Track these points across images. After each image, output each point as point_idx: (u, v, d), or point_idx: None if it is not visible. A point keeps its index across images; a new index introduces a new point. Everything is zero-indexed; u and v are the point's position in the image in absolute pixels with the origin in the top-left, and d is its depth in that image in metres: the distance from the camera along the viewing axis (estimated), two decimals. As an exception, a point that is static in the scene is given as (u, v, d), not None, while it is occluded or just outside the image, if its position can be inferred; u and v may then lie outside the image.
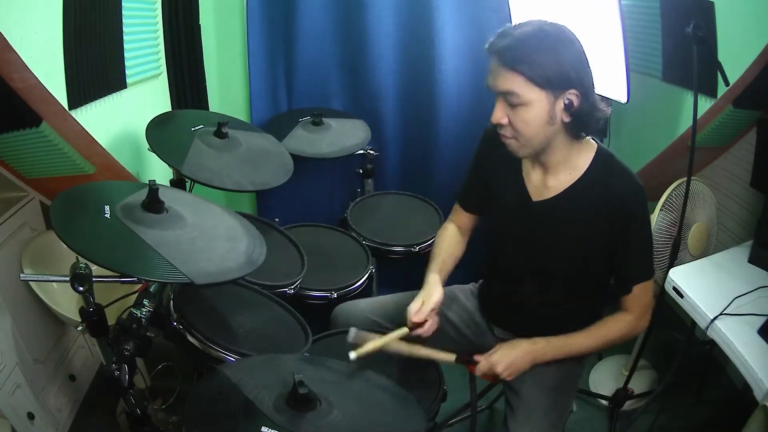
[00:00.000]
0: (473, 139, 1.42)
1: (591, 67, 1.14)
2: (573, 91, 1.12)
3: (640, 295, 1.27)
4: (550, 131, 1.16)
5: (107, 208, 1.15)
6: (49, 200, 1.72)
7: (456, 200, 1.52)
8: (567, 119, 1.14)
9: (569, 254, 1.28)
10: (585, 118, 1.16)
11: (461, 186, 1.50)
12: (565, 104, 1.12)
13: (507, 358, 1.26)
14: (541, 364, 1.33)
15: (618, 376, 2.09)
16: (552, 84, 1.10)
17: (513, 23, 1.17)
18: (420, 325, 1.29)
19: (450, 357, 1.33)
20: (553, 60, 1.09)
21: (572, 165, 1.23)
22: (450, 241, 1.49)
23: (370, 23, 2.16)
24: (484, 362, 1.28)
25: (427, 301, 1.31)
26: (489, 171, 1.38)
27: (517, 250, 1.35)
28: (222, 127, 1.70)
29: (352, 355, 1.20)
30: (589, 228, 1.23)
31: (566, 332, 1.33)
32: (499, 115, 1.16)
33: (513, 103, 1.13)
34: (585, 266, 1.30)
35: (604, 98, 1.20)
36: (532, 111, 1.13)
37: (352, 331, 1.25)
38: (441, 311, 1.52)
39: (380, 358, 1.27)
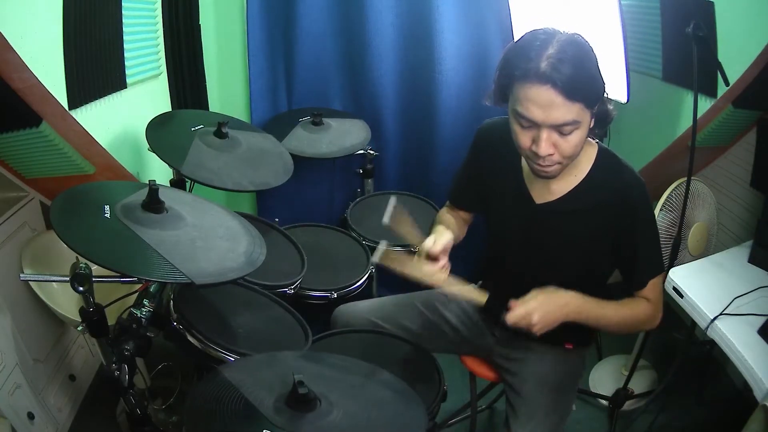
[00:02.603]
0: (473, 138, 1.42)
1: None
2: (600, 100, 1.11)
3: (655, 289, 1.26)
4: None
5: (107, 208, 1.15)
6: (49, 200, 1.72)
7: (448, 198, 1.51)
8: (590, 126, 1.13)
9: (574, 255, 1.28)
10: (603, 121, 1.16)
11: (453, 185, 1.49)
12: (593, 113, 1.11)
13: (545, 307, 1.16)
14: (543, 363, 1.33)
15: (618, 376, 2.09)
16: (597, 102, 1.09)
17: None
18: (435, 263, 1.21)
19: (481, 297, 1.25)
20: (598, 79, 1.06)
21: (577, 167, 1.23)
22: (450, 221, 1.44)
23: (370, 23, 2.16)
24: (520, 309, 1.16)
25: (439, 238, 1.23)
26: (486, 171, 1.37)
27: (519, 251, 1.35)
28: (222, 127, 1.70)
29: (376, 257, 1.16)
30: (594, 228, 1.23)
31: (566, 332, 1.32)
32: (548, 146, 1.07)
33: (566, 131, 1.06)
34: (589, 266, 1.30)
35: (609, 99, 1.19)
36: (581, 133, 1.08)
37: (381, 246, 1.18)
38: (440, 312, 1.52)
39: (381, 357, 1.27)
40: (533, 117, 1.05)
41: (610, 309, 1.25)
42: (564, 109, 1.03)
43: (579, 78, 1.01)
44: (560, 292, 1.20)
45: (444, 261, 1.23)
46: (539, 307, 1.16)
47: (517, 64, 1.04)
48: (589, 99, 1.05)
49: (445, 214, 1.50)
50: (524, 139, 1.11)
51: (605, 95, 1.13)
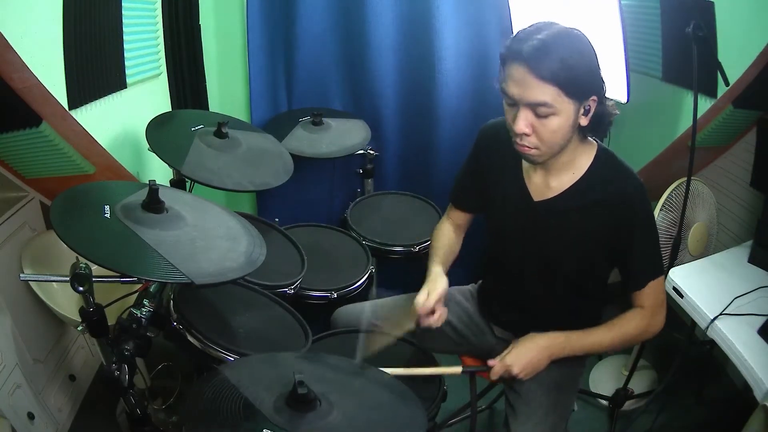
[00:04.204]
0: (473, 138, 1.42)
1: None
2: (594, 97, 1.12)
3: (654, 292, 1.26)
4: (570, 137, 1.16)
5: (107, 208, 1.15)
6: (49, 200, 1.72)
7: (450, 199, 1.52)
8: (584, 123, 1.14)
9: (571, 253, 1.28)
10: (600, 122, 1.17)
11: (455, 184, 1.49)
12: (585, 110, 1.12)
13: (523, 358, 1.24)
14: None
15: (618, 376, 2.09)
16: (581, 93, 1.10)
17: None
18: (429, 315, 1.28)
19: (456, 369, 1.34)
20: (584, 69, 1.08)
21: (576, 165, 1.23)
22: (447, 238, 1.49)
23: (370, 23, 2.16)
24: (498, 365, 1.26)
25: (432, 291, 1.29)
26: (486, 170, 1.37)
27: (518, 250, 1.35)
28: (222, 127, 1.70)
29: (358, 358, 1.21)
30: (592, 227, 1.23)
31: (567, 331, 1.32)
32: (524, 125, 1.11)
33: (541, 113, 1.09)
34: (587, 265, 1.30)
35: (610, 99, 1.20)
36: (560, 120, 1.10)
37: (360, 339, 1.26)
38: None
39: (381, 357, 1.27)
40: (511, 93, 1.10)
41: (599, 333, 1.28)
42: (537, 90, 1.06)
43: (555, 62, 1.04)
44: (537, 338, 1.27)
45: (440, 311, 1.29)
46: (516, 360, 1.24)
47: (507, 45, 1.10)
48: (568, 87, 1.06)
49: (443, 232, 1.51)
50: (509, 116, 1.16)
51: (604, 97, 1.14)
